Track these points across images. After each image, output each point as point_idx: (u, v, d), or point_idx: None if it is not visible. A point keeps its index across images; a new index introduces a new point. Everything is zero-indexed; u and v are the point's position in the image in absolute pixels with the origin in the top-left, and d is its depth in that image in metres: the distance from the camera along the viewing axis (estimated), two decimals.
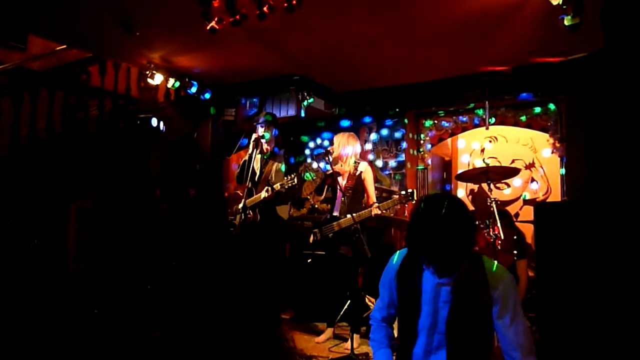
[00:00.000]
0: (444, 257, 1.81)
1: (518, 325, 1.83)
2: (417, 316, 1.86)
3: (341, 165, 4.32)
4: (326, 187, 4.33)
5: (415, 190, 3.93)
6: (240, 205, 4.23)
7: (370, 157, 6.00)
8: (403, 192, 3.91)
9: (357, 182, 4.23)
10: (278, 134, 4.60)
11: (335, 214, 4.17)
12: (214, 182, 5.84)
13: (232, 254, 1.59)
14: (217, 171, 5.94)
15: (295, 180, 4.03)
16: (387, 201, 4.01)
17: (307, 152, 6.46)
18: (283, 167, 4.44)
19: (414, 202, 3.87)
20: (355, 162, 4.28)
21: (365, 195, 4.24)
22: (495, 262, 1.91)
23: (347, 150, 4.28)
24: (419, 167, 6.02)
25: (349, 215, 3.95)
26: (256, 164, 4.50)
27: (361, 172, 4.26)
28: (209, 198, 5.63)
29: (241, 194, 4.34)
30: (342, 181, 4.21)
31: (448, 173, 6.99)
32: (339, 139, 4.32)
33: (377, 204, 3.96)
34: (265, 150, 4.51)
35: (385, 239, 5.40)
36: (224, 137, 5.89)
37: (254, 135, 4.41)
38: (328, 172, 4.27)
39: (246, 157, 4.49)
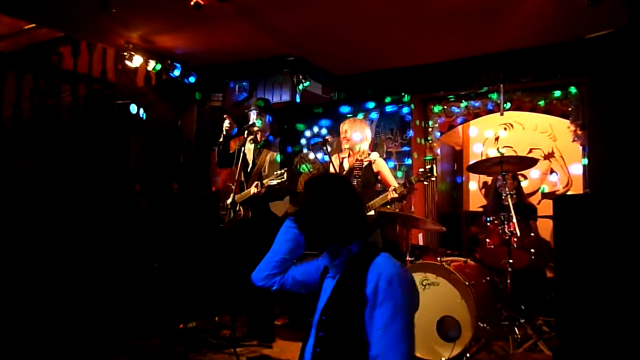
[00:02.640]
0: (312, 240, 1.89)
1: (389, 337, 1.67)
2: (314, 310, 1.89)
3: (349, 155, 4.32)
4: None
5: (434, 166, 3.92)
6: (229, 201, 4.21)
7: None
8: (421, 170, 3.94)
9: (367, 174, 4.25)
10: (272, 121, 4.59)
11: None
12: (200, 175, 5.83)
13: (219, 255, 1.62)
14: (204, 163, 5.92)
15: (285, 176, 4.01)
16: (382, 195, 4.04)
17: (303, 141, 6.46)
18: (278, 158, 4.44)
19: (433, 179, 3.94)
20: (365, 151, 4.31)
21: (386, 184, 4.29)
22: (392, 261, 1.82)
23: (357, 137, 4.31)
24: (427, 158, 6.03)
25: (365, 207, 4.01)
26: (249, 154, 4.48)
27: (371, 163, 4.28)
28: (194, 193, 5.61)
29: (233, 188, 4.31)
30: (348, 166, 4.26)
31: (459, 164, 7.04)
32: (349, 124, 4.36)
33: (395, 186, 4.01)
34: (258, 140, 4.49)
35: (389, 237, 5.40)
36: (211, 125, 5.90)
37: (225, 125, 4.38)
38: (355, 164, 4.29)
39: (221, 139, 4.49)
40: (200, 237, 5.16)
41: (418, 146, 5.99)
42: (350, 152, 4.34)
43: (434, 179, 3.96)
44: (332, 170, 4.22)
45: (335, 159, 4.40)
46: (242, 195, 4.31)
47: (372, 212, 4.12)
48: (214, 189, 6.09)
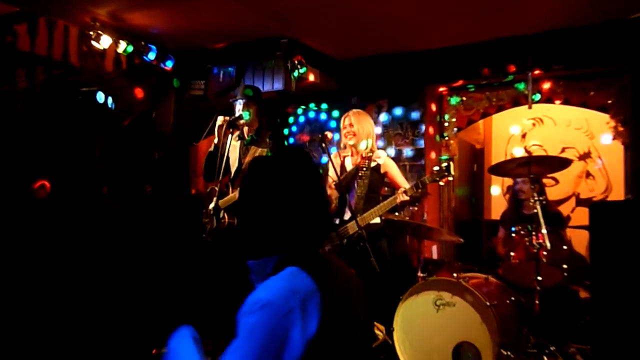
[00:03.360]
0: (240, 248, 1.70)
1: None
2: None
3: (352, 153, 4.30)
4: (347, 183, 4.30)
5: (451, 164, 3.88)
6: (212, 206, 4.19)
7: (380, 143, 6.01)
8: (436, 169, 3.91)
9: (373, 176, 4.25)
10: (263, 113, 4.58)
11: (348, 217, 4.17)
12: (177, 175, 5.82)
13: (200, 270, 1.56)
14: (182, 161, 5.93)
15: None
16: (390, 199, 4.03)
17: (298, 136, 6.45)
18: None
19: (450, 178, 3.92)
20: (371, 149, 4.31)
21: (396, 186, 4.30)
22: (280, 282, 1.54)
23: (363, 132, 4.32)
24: (443, 157, 6.03)
25: (369, 213, 4.00)
26: (233, 152, 4.46)
27: (379, 164, 4.27)
28: (171, 196, 5.61)
29: (217, 190, 4.28)
30: (352, 167, 4.27)
31: (479, 164, 7.06)
32: (353, 116, 4.36)
33: (405, 188, 4.00)
34: (245, 135, 4.48)
35: (398, 250, 5.39)
36: (192, 117, 5.89)
37: (219, 120, 4.36)
38: (360, 164, 4.27)
39: (212, 149, 4.46)
40: (178, 249, 5.13)
41: (432, 144, 5.99)
42: (354, 150, 4.31)
43: (451, 178, 3.94)
44: (331, 171, 4.20)
45: (335, 158, 4.37)
46: (227, 200, 4.29)
47: (377, 220, 4.10)
48: (194, 192, 6.08)
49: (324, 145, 4.10)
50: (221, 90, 5.65)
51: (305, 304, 1.45)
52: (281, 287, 1.48)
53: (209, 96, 5.73)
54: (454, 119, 6.06)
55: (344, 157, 4.43)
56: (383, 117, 6.07)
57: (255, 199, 1.61)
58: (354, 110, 4.42)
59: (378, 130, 6.03)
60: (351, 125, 4.33)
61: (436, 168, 3.91)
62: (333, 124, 6.23)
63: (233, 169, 4.46)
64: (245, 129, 4.47)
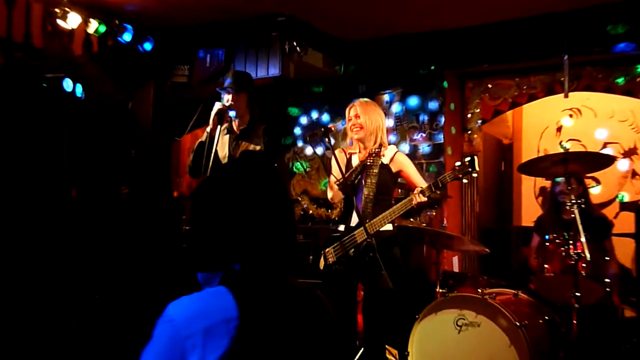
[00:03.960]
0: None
1: None
2: None
3: (359, 149, 4.32)
4: (350, 182, 4.27)
5: (475, 158, 3.83)
6: (190, 220, 4.21)
7: (392, 138, 6.02)
8: (458, 164, 3.88)
9: (383, 175, 4.22)
10: (254, 103, 4.59)
11: (355, 223, 4.15)
12: (157, 175, 5.83)
13: (181, 285, 1.57)
14: (163, 159, 5.96)
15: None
16: (403, 201, 4.00)
17: (298, 130, 6.46)
18: None
19: (475, 175, 3.89)
20: (382, 144, 4.28)
21: (412, 187, 4.24)
22: (174, 306, 1.57)
23: (371, 124, 4.28)
24: (466, 155, 5.98)
25: (379, 218, 4.00)
26: (221, 149, 4.47)
27: (391, 161, 4.25)
28: (150, 199, 5.63)
29: None
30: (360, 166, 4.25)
31: (508, 162, 7.05)
32: (360, 106, 4.32)
33: (422, 188, 3.96)
34: (235, 128, 4.49)
35: (413, 261, 5.39)
36: (174, 108, 5.89)
37: (217, 106, 4.37)
38: (368, 161, 4.26)
39: (204, 138, 4.47)
40: (157, 260, 5.14)
41: (453, 138, 6.00)
42: (361, 146, 4.31)
43: (475, 175, 3.88)
44: (335, 169, 4.20)
45: (339, 154, 4.37)
46: None
47: (389, 226, 4.10)
48: (177, 194, 6.10)
49: (326, 140, 4.09)
50: (208, 76, 5.67)
51: (210, 332, 1.47)
52: (190, 308, 1.52)
53: (193, 84, 5.74)
54: (477, 110, 6.08)
55: (350, 154, 4.38)
56: (396, 107, 6.08)
57: (204, 208, 1.65)
58: (361, 99, 4.37)
59: (390, 123, 6.06)
60: (357, 116, 4.26)
61: (458, 163, 3.87)
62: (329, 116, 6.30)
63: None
64: (236, 121, 4.48)
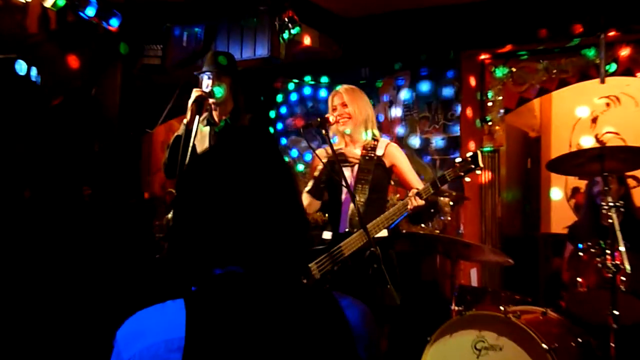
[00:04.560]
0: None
1: None
2: None
3: (345, 144, 4.33)
4: (322, 184, 4.31)
5: (478, 153, 3.88)
6: (171, 215, 4.22)
7: (400, 130, 6.06)
8: (459, 161, 3.91)
9: (377, 172, 4.24)
10: (239, 89, 4.57)
11: (346, 229, 4.18)
12: (125, 173, 5.83)
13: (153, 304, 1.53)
14: (132, 155, 5.95)
15: None
16: (398, 204, 4.02)
17: (290, 120, 6.50)
18: None
19: (478, 172, 3.90)
20: (373, 137, 4.29)
21: (405, 185, 4.28)
22: (144, 318, 1.56)
23: (361, 115, 4.29)
24: (485, 149, 5.98)
25: (372, 224, 3.97)
26: (200, 143, 4.44)
27: (384, 154, 4.26)
28: (117, 201, 5.64)
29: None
30: (348, 171, 4.21)
31: (535, 159, 7.10)
32: (347, 93, 4.32)
33: (418, 189, 3.96)
34: (216, 120, 4.50)
35: (425, 274, 5.40)
36: (145, 94, 5.90)
37: (195, 93, 4.34)
38: (328, 157, 4.24)
39: (180, 131, 4.47)
40: (125, 273, 5.15)
41: (471, 130, 6.03)
42: (347, 139, 4.31)
43: (479, 172, 3.94)
44: (319, 167, 4.21)
45: (322, 153, 4.34)
46: None
47: (384, 233, 4.10)
48: (148, 196, 6.12)
49: (324, 132, 4.08)
50: (185, 58, 5.67)
51: (146, 355, 1.45)
52: (131, 327, 1.51)
53: (168, 66, 5.74)
54: (500, 97, 6.09)
55: (339, 150, 4.33)
56: (404, 94, 6.10)
57: (186, 197, 1.63)
58: (345, 85, 4.37)
59: (398, 112, 6.11)
60: (344, 105, 4.26)
61: (459, 160, 3.88)
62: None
63: None
64: (216, 110, 4.48)
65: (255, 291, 1.53)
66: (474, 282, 5.78)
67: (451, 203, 5.12)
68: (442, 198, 4.65)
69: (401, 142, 5.88)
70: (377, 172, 4.21)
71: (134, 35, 5.86)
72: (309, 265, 4.14)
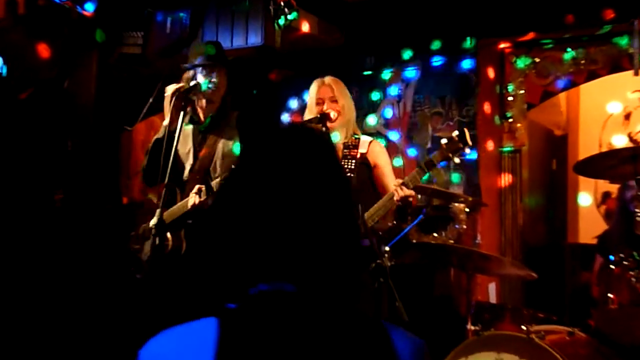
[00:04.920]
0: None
1: None
2: None
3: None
4: None
5: (466, 130, 3.96)
6: (154, 222, 4.13)
7: (410, 127, 6.11)
8: (445, 142, 3.97)
9: (362, 170, 4.33)
10: (225, 84, 4.56)
11: None
12: (102, 175, 5.82)
13: (128, 326, 1.56)
14: (109, 155, 5.95)
15: None
16: (383, 198, 4.10)
17: (287, 117, 6.49)
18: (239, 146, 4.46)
19: (467, 150, 4.00)
20: (354, 133, 4.36)
21: (382, 189, 4.34)
22: (174, 337, 1.57)
23: (348, 108, 4.38)
24: (506, 149, 6.05)
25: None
26: (183, 144, 4.47)
27: (367, 152, 4.34)
28: (92, 207, 5.63)
29: (156, 202, 4.32)
30: None
31: (561, 160, 7.10)
32: (334, 84, 4.40)
33: (403, 180, 4.02)
34: (200, 117, 4.48)
35: (437, 289, 5.37)
36: (124, 87, 5.90)
37: (170, 89, 4.32)
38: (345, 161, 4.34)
39: (161, 134, 4.42)
40: (99, 289, 5.16)
41: (489, 128, 6.02)
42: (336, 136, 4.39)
43: (468, 150, 3.98)
44: None
45: None
46: (174, 212, 4.30)
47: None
48: (127, 201, 6.12)
49: (324, 129, 4.09)
50: (168, 46, 5.68)
51: None
52: (155, 347, 1.51)
53: (149, 56, 5.76)
54: (522, 91, 6.06)
55: None
56: (415, 87, 6.12)
57: (233, 205, 1.62)
58: (331, 77, 4.42)
59: (407, 107, 6.14)
60: (334, 99, 4.34)
61: (444, 140, 3.96)
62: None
63: (187, 167, 4.47)
64: (202, 107, 4.46)
65: (305, 313, 1.52)
66: (493, 298, 5.76)
67: (467, 209, 5.06)
68: (456, 204, 4.63)
69: (410, 141, 5.94)
70: (360, 173, 4.31)
71: (112, 21, 5.87)
72: None
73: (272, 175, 1.60)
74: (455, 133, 3.95)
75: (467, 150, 3.98)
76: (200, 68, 4.43)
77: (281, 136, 1.71)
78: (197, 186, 4.21)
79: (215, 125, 4.51)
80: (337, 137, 4.32)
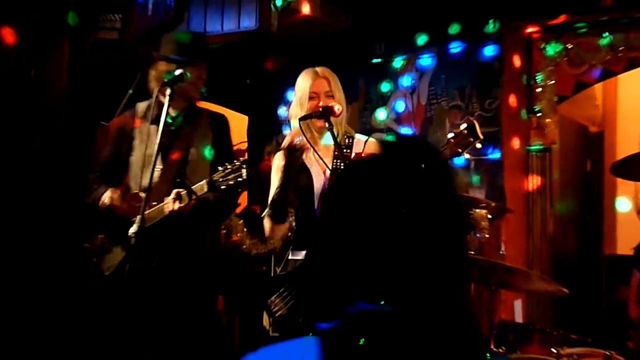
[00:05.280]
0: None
1: None
2: None
3: (314, 144, 4.29)
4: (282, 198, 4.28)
5: (475, 123, 3.85)
6: (133, 230, 4.07)
7: (425, 123, 6.09)
8: (452, 135, 3.87)
9: None
10: (204, 78, 4.58)
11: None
12: (74, 176, 5.64)
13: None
14: (83, 153, 5.85)
15: (243, 173, 3.99)
16: None
17: (284, 111, 6.47)
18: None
19: (478, 145, 3.93)
20: (346, 133, 4.34)
21: None
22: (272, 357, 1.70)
23: (344, 109, 4.32)
24: (533, 147, 6.00)
25: None
26: (145, 143, 4.46)
27: (362, 152, 4.30)
28: (62, 210, 5.61)
29: (137, 203, 4.29)
30: (320, 176, 4.28)
31: (596, 160, 7.05)
32: (329, 75, 4.33)
33: None
34: (171, 115, 4.46)
35: None
36: (99, 77, 5.89)
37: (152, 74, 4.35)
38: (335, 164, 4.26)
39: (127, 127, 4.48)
40: (66, 306, 5.18)
41: (515, 123, 5.98)
42: (318, 137, 4.33)
43: (479, 145, 3.92)
44: (276, 180, 4.22)
45: (279, 160, 4.32)
46: (148, 217, 4.25)
47: None
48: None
49: (327, 125, 4.07)
50: (150, 31, 5.62)
51: None
52: None
53: (128, 41, 5.75)
54: (552, 82, 6.00)
55: (302, 154, 4.36)
56: (430, 77, 6.10)
57: (340, 220, 1.70)
58: (324, 68, 4.35)
59: (422, 100, 6.11)
60: (329, 93, 4.25)
61: (451, 135, 3.88)
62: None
63: (155, 170, 4.28)
64: (173, 104, 4.35)
65: (410, 334, 1.58)
66: (518, 317, 5.72)
67: (489, 216, 5.05)
68: (477, 210, 4.60)
69: (425, 138, 5.87)
70: None
71: (86, 3, 5.87)
72: (271, 299, 4.23)
73: (382, 191, 1.66)
74: (464, 126, 3.87)
75: (478, 145, 3.92)
76: (181, 66, 4.39)
77: (394, 149, 1.79)
78: (175, 191, 4.21)
79: (187, 124, 4.54)
80: (298, 138, 4.26)
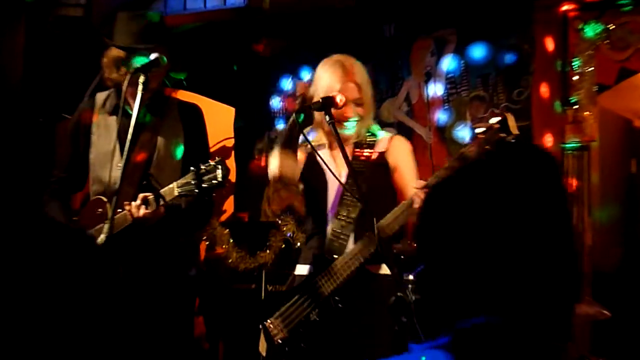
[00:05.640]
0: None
1: None
2: None
3: (330, 144, 4.39)
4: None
5: (508, 116, 3.95)
6: (101, 240, 4.13)
7: (442, 116, 6.04)
8: (480, 130, 3.92)
9: (377, 173, 4.37)
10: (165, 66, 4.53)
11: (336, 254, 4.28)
12: (31, 175, 5.68)
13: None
14: (41, 149, 5.86)
15: (218, 174, 4.00)
16: (401, 204, 4.16)
17: (278, 102, 6.44)
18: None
19: (512, 140, 3.92)
20: (368, 129, 4.43)
21: (401, 194, 4.40)
22: None
23: (373, 105, 4.39)
24: (569, 145, 5.93)
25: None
26: (104, 137, 4.54)
27: (386, 150, 4.40)
28: (18, 219, 5.44)
29: (101, 210, 4.41)
30: (335, 169, 4.30)
31: None
32: (352, 64, 4.39)
33: (423, 183, 4.03)
34: (132, 106, 4.37)
35: None
36: (61, 62, 5.88)
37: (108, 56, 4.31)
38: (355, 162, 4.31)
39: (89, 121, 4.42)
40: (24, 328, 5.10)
41: (547, 117, 5.94)
42: (334, 134, 4.24)
43: (512, 140, 3.91)
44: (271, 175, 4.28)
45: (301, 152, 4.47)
46: (112, 225, 4.22)
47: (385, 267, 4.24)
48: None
49: (327, 118, 4.09)
50: (119, 8, 5.39)
51: None
52: None
53: (94, 21, 5.71)
54: (591, 68, 5.93)
55: (318, 148, 4.43)
56: (447, 63, 6.08)
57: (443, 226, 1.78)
58: (347, 56, 4.38)
59: (438, 89, 6.12)
60: (358, 86, 4.28)
61: (480, 129, 3.96)
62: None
63: (115, 169, 4.39)
64: (131, 94, 4.36)
65: (521, 350, 1.67)
66: None
67: None
68: None
69: (441, 134, 5.95)
70: (376, 178, 4.33)
71: None
72: (269, 321, 4.27)
73: (492, 200, 1.74)
74: (495, 119, 3.88)
75: (513, 140, 3.88)
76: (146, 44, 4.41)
77: (506, 157, 1.84)
78: (141, 195, 4.19)
79: (153, 116, 4.50)
80: (312, 135, 4.40)
